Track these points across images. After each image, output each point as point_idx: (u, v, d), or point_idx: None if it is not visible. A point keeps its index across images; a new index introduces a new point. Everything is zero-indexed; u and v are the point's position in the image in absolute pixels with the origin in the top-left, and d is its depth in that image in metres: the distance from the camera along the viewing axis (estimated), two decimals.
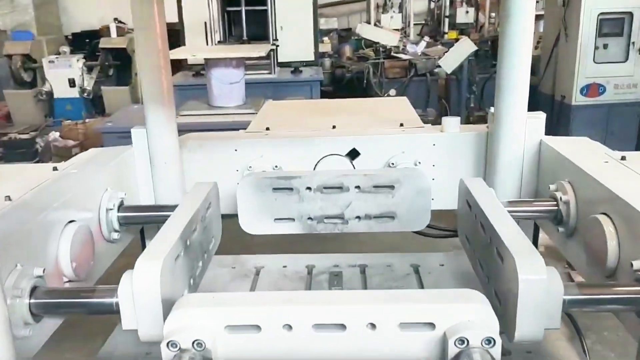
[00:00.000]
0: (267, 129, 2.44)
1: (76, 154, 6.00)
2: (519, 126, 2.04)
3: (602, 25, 5.58)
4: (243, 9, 6.82)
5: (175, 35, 8.22)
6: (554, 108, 6.13)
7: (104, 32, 8.58)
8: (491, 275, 1.48)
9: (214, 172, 2.22)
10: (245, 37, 6.95)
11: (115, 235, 1.87)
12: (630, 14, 5.56)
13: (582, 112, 5.82)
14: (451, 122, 2.26)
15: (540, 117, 2.09)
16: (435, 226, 2.47)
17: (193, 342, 1.12)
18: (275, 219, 1.96)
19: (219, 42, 7.09)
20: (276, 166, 2.24)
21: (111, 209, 1.84)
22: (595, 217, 1.54)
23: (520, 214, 1.84)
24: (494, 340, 1.09)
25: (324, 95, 7.41)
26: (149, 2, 1.96)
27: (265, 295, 1.25)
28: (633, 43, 5.62)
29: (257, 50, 5.03)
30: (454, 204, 1.96)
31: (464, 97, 7.15)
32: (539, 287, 1.25)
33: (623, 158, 1.78)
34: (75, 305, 1.40)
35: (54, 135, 5.96)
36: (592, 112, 5.80)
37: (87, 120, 6.56)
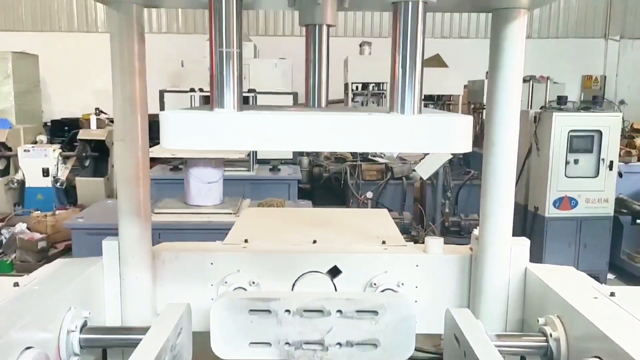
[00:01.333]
0: (246, 241, 2.36)
1: (42, 247, 5.82)
2: (504, 252, 2.01)
3: (572, 141, 5.82)
4: None
5: (155, 127, 8.29)
6: (527, 218, 6.22)
7: (83, 123, 8.62)
8: None
9: (188, 286, 2.12)
10: None
11: (75, 359, 1.72)
12: (600, 132, 5.83)
13: (556, 224, 5.91)
14: (434, 244, 2.21)
15: (525, 243, 2.06)
16: (419, 348, 2.37)
17: None
18: (251, 343, 1.84)
19: None
20: (253, 282, 2.15)
21: (73, 331, 1.71)
22: None
23: (509, 348, 1.76)
24: None
25: (302, 193, 7.43)
26: (132, 113, 1.94)
27: None
28: (603, 159, 5.84)
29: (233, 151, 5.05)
30: (437, 328, 1.89)
31: (439, 202, 7.23)
32: None
33: (612, 294, 1.74)
34: None
35: (21, 227, 5.77)
36: (565, 224, 5.89)
37: (57, 212, 6.41)
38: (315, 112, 1.25)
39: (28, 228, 5.98)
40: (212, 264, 2.16)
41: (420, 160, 6.82)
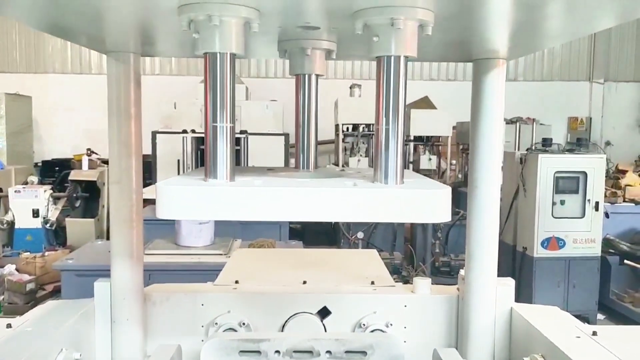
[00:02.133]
0: (237, 282, 2.39)
1: (30, 289, 5.76)
2: (490, 293, 2.05)
3: (558, 182, 5.93)
4: None
5: (146, 167, 8.34)
6: (516, 258, 6.27)
7: (74, 163, 8.66)
8: None
9: (179, 327, 2.13)
10: None
11: None
12: (585, 173, 5.95)
13: (544, 264, 5.96)
14: (422, 284, 2.26)
15: (510, 283, 2.11)
16: None
17: None
18: None
19: None
20: (244, 323, 2.17)
21: None
22: None
23: None
24: None
25: (293, 233, 7.45)
26: (127, 156, 1.99)
27: None
28: (588, 200, 5.94)
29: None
30: None
31: (430, 242, 7.28)
32: None
33: (594, 333, 1.78)
34: None
35: (10, 268, 5.73)
36: (553, 264, 5.94)
37: (46, 253, 6.38)
38: (302, 184, 1.31)
39: (17, 269, 5.94)
40: (202, 305, 2.18)
41: None
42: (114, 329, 2.02)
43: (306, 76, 1.68)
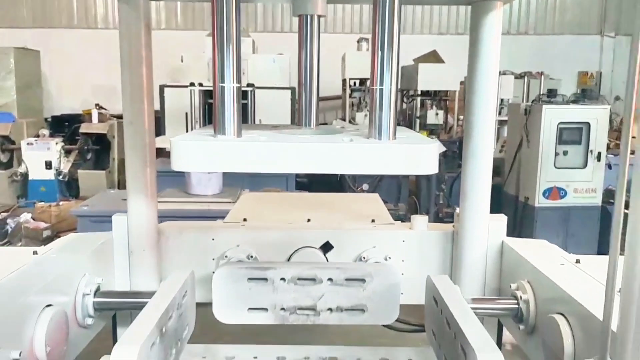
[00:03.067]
0: (245, 220, 2.53)
1: (47, 236, 5.98)
2: (482, 227, 2.18)
3: (561, 133, 5.99)
4: None
5: (155, 121, 8.44)
6: (518, 208, 6.39)
7: (84, 117, 8.78)
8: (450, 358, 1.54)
9: (191, 259, 2.28)
10: None
11: (89, 321, 1.89)
12: (588, 124, 6.00)
13: (545, 214, 6.08)
14: (420, 221, 2.38)
15: (502, 219, 2.23)
16: (405, 321, 2.54)
17: None
18: (249, 309, 2.00)
19: None
20: (252, 256, 2.31)
21: (88, 294, 1.88)
22: (553, 317, 1.64)
23: (484, 311, 1.93)
24: None
25: (299, 186, 7.59)
26: (140, 99, 2.10)
27: None
28: (591, 151, 6.01)
29: None
30: (422, 299, 2.04)
31: (434, 194, 7.40)
32: None
33: (577, 261, 1.91)
34: None
35: (26, 217, 5.94)
36: (554, 214, 6.06)
37: (61, 203, 6.57)
38: (303, 140, 1.42)
39: (32, 218, 6.15)
40: (213, 239, 2.32)
41: None
42: (132, 259, 2.17)
43: (309, 17, 1.76)
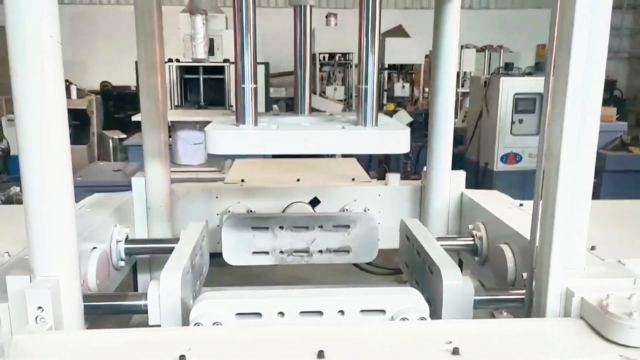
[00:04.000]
0: (242, 180, 2.91)
1: None
2: (445, 181, 2.61)
3: (517, 103, 6.50)
4: (201, 77, 7.39)
5: (132, 99, 8.64)
6: (479, 173, 6.93)
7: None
8: (424, 286, 1.98)
9: (199, 214, 2.64)
10: (202, 103, 7.48)
11: (121, 263, 2.26)
12: (541, 95, 6.50)
13: (503, 177, 6.63)
14: (393, 178, 2.81)
15: (461, 174, 2.67)
16: (381, 265, 2.98)
17: (213, 324, 1.55)
18: (253, 252, 2.40)
19: (176, 106, 7.58)
20: (251, 210, 2.70)
21: (120, 241, 2.24)
22: (500, 246, 2.09)
23: (447, 246, 2.36)
24: (426, 319, 1.58)
25: (276, 156, 7.95)
26: (153, 71, 2.43)
27: (264, 291, 1.69)
28: None
29: (220, 114, 5.55)
30: (396, 243, 2.47)
31: (402, 162, 7.89)
32: (457, 289, 1.75)
33: (521, 205, 2.36)
34: (115, 307, 1.79)
35: (15, 189, 6.15)
36: (511, 177, 6.61)
37: None
38: (306, 128, 1.81)
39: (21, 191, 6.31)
40: (217, 197, 2.70)
41: None
42: (149, 214, 2.53)
43: (302, 7, 2.13)
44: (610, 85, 15.81)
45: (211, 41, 7.84)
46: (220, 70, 7.57)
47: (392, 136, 1.78)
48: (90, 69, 14.63)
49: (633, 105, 16.75)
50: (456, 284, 1.76)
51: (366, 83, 1.80)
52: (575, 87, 1.42)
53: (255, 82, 1.79)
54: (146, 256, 2.57)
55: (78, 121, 8.02)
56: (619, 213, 2.49)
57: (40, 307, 1.36)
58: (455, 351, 1.23)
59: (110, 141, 7.52)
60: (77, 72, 13.67)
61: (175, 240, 2.15)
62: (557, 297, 1.44)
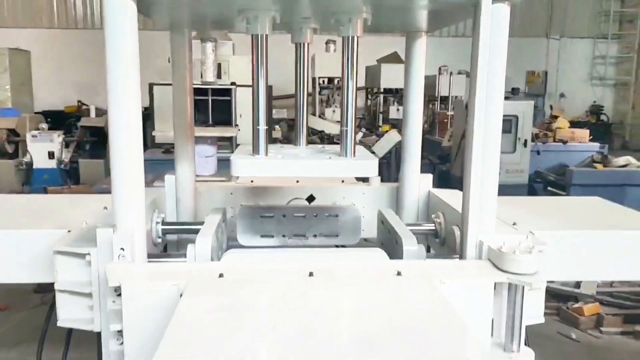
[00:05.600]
0: (252, 181, 3.56)
1: None
2: (415, 182, 3.26)
3: None
4: (210, 98, 8.09)
5: (146, 118, 9.31)
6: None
7: (83, 112, 9.61)
8: (391, 255, 2.61)
9: (216, 206, 3.28)
10: (210, 122, 8.17)
11: (158, 240, 2.89)
12: (516, 117, 7.21)
13: None
14: (375, 180, 3.46)
15: (428, 177, 3.31)
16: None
17: None
18: (261, 235, 3.04)
19: None
20: (259, 204, 3.34)
21: (158, 223, 2.87)
22: (452, 227, 2.73)
23: (414, 230, 3.00)
24: None
25: None
26: (183, 95, 3.09)
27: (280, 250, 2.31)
28: (519, 138, 7.23)
29: (228, 131, 6.23)
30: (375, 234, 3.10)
31: (393, 176, 8.53)
32: (413, 253, 2.39)
33: None
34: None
35: None
36: None
37: (71, 186, 7.43)
38: (303, 158, 2.50)
39: None
40: (231, 193, 3.35)
41: (376, 142, 8.10)
42: (178, 205, 3.17)
43: (302, 44, 2.80)
44: (597, 110, 16.59)
45: (219, 66, 8.57)
46: (227, 92, 8.27)
47: (364, 165, 2.46)
48: (101, 90, 15.38)
49: (619, 129, 17.50)
50: (413, 249, 2.40)
51: (346, 126, 2.48)
52: (479, 102, 2.09)
53: (267, 125, 2.47)
54: (174, 238, 3.20)
55: (97, 137, 8.73)
56: (552, 205, 3.15)
57: (122, 248, 2.00)
58: (399, 273, 1.87)
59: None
60: (89, 93, 14.45)
61: (200, 223, 2.78)
62: (473, 246, 2.10)
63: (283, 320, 1.59)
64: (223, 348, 1.42)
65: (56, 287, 2.13)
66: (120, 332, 1.92)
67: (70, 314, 2.15)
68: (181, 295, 1.78)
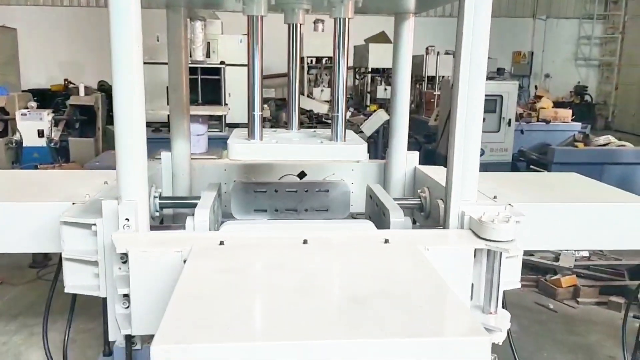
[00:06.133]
0: None
1: None
2: (402, 159, 3.40)
3: None
4: (199, 77, 8.15)
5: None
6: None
7: (72, 90, 9.60)
8: (379, 226, 2.76)
9: (212, 181, 3.40)
10: (200, 101, 8.24)
11: (156, 214, 3.01)
12: (501, 96, 7.37)
13: None
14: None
15: (415, 154, 3.46)
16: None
17: None
18: (254, 210, 3.17)
19: None
20: (252, 180, 3.47)
21: (156, 197, 2.99)
22: (436, 201, 2.88)
23: (400, 204, 3.15)
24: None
25: None
26: (180, 72, 3.19)
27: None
28: (503, 118, 7.40)
29: (219, 110, 6.31)
30: (364, 209, 3.25)
31: (380, 155, 8.68)
32: (400, 224, 2.55)
33: None
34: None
35: None
36: None
37: (62, 164, 7.48)
38: (296, 142, 2.60)
39: None
40: (225, 170, 3.47)
41: (364, 122, 8.23)
42: (174, 180, 3.30)
43: (294, 25, 2.91)
44: (581, 90, 16.82)
45: (208, 44, 8.60)
46: (216, 71, 8.32)
47: (354, 149, 2.58)
48: (87, 69, 15.29)
49: (602, 109, 17.79)
50: (399, 221, 2.56)
51: (337, 112, 2.60)
52: (463, 81, 2.22)
53: (261, 110, 2.58)
54: (170, 212, 3.32)
55: (86, 116, 8.74)
56: (532, 180, 3.32)
57: (127, 219, 2.13)
58: (387, 241, 2.02)
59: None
60: (76, 72, 14.36)
61: (196, 198, 2.90)
62: (456, 216, 2.25)
63: (280, 280, 1.74)
64: (227, 302, 1.56)
65: (63, 255, 2.26)
66: (125, 296, 2.06)
67: (76, 281, 2.28)
68: (185, 261, 1.92)
